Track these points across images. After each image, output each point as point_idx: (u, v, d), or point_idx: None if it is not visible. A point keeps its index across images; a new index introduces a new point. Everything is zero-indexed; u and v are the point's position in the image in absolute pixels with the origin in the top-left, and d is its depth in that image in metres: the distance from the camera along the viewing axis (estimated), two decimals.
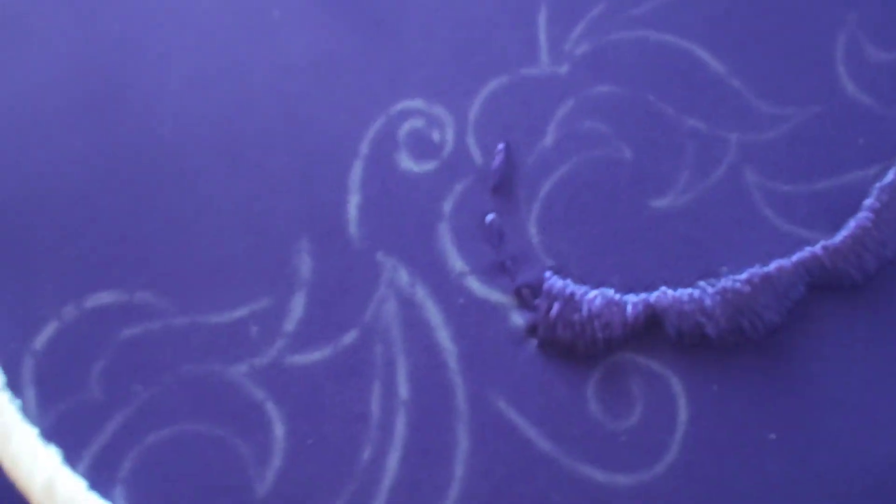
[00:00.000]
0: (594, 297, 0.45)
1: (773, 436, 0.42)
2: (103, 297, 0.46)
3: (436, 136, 0.49)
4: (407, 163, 0.49)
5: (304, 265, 0.46)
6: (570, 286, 0.45)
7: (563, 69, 0.50)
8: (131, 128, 0.50)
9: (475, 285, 0.46)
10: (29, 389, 0.44)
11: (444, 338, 0.44)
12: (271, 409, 0.44)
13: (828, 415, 0.43)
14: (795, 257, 0.45)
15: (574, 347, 0.44)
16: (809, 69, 0.49)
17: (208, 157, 0.49)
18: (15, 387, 0.44)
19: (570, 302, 0.45)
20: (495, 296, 0.46)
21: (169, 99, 0.51)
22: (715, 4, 0.51)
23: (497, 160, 0.48)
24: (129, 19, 0.54)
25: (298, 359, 0.44)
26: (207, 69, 0.52)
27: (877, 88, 0.48)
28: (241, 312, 0.46)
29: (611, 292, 0.45)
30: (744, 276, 0.44)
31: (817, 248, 0.45)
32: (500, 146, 0.48)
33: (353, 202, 0.48)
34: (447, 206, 0.47)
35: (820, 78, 0.49)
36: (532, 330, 0.45)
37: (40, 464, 0.41)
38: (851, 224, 0.45)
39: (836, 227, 0.46)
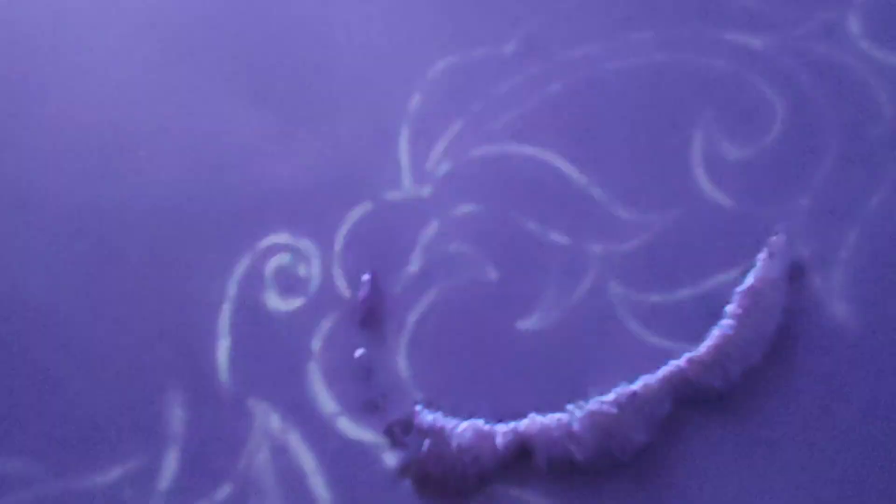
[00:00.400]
0: (464, 429, 0.45)
1: None
2: None
3: (302, 270, 0.49)
4: (275, 301, 0.48)
5: (176, 418, 0.46)
6: (440, 419, 0.45)
7: (427, 191, 0.50)
8: None
9: (347, 426, 0.46)
10: None
11: (317, 484, 0.44)
12: None
13: None
14: (661, 373, 0.45)
15: (446, 483, 0.44)
16: (668, 172, 0.49)
17: (75, 309, 0.49)
18: None
19: (441, 436, 0.44)
20: (367, 436, 0.46)
21: (36, 248, 0.51)
22: (572, 112, 0.51)
23: (362, 291, 0.48)
24: None
25: None
26: (77, 213, 0.52)
27: (734, 187, 0.49)
28: (114, 473, 0.45)
29: (481, 423, 0.45)
30: (611, 396, 0.45)
31: (682, 362, 0.45)
32: (366, 276, 0.48)
33: (223, 347, 0.48)
34: (316, 344, 0.47)
35: (678, 181, 0.49)
36: (405, 469, 0.44)
37: None
38: (714, 332, 0.46)
39: (701, 336, 0.46)
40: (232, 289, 0.49)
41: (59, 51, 0.55)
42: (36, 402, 0.47)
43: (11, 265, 0.50)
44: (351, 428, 0.46)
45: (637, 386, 0.45)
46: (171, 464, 0.45)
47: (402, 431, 0.45)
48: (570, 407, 0.45)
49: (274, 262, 0.49)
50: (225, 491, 0.45)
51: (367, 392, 0.46)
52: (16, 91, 0.54)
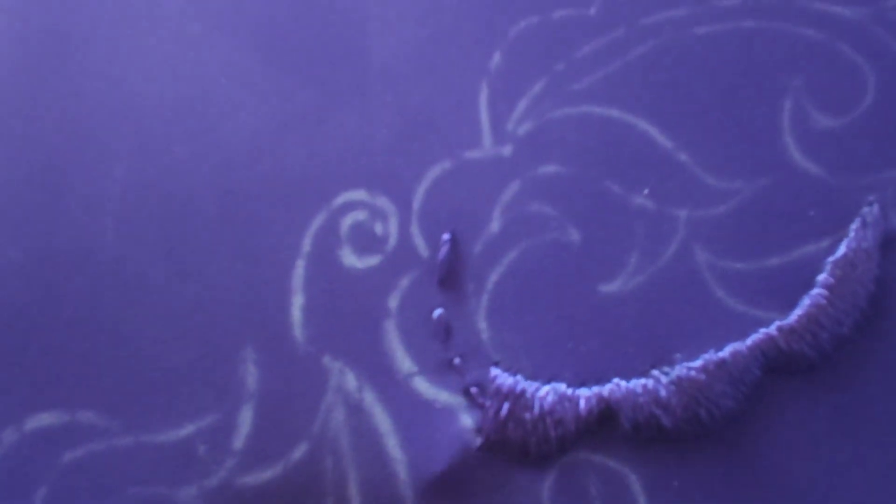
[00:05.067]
0: (546, 393, 0.43)
1: None
2: (44, 419, 0.45)
3: (379, 228, 0.48)
4: (350, 259, 0.47)
5: (250, 375, 0.45)
6: (521, 382, 0.44)
7: (507, 150, 0.49)
8: (69, 237, 0.49)
9: (423, 386, 0.45)
10: None
11: (393, 446, 0.43)
12: None
13: None
14: (750, 340, 0.44)
15: (526, 447, 0.43)
16: (756, 139, 0.48)
17: (148, 264, 0.48)
18: None
19: (521, 399, 0.43)
20: (444, 396, 0.44)
21: (108, 204, 0.50)
22: (658, 76, 0.50)
23: (442, 251, 0.47)
24: (67, 121, 0.52)
25: (249, 479, 0.43)
26: (148, 169, 0.51)
27: (825, 157, 0.47)
28: (187, 430, 0.44)
29: (563, 387, 0.44)
30: (698, 363, 0.43)
31: (772, 330, 0.44)
32: (446, 236, 0.47)
33: (297, 304, 0.47)
34: (393, 303, 0.46)
35: (767, 148, 0.48)
36: (482, 431, 0.43)
37: None
38: (805, 302, 0.44)
39: (791, 305, 0.45)
40: (307, 245, 0.48)
41: (110, 32, 0.54)
42: (107, 355, 0.46)
43: (82, 219, 0.50)
44: (427, 388, 0.45)
45: (725, 353, 0.44)
46: (245, 422, 0.44)
47: (480, 393, 0.44)
48: (655, 373, 0.44)
49: (349, 219, 0.48)
50: (301, 450, 0.44)
51: (445, 353, 0.45)
52: (84, 63, 0.54)
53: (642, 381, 0.43)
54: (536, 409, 0.43)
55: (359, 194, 0.49)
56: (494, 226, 0.48)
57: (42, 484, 0.44)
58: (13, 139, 0.52)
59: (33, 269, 0.48)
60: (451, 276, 0.47)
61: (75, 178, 0.50)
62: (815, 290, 0.44)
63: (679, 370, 0.43)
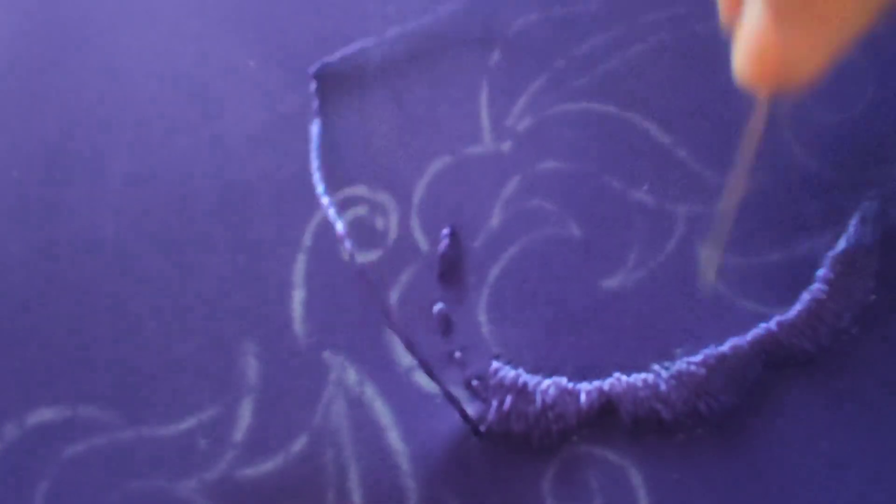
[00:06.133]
0: (547, 386, 0.44)
1: None
2: (45, 413, 0.45)
3: (379, 223, 0.48)
4: None
5: (251, 369, 0.45)
6: (523, 376, 0.44)
7: (507, 146, 0.49)
8: (70, 230, 0.49)
9: (425, 380, 0.44)
10: None
11: (394, 438, 0.43)
12: None
13: (793, 500, 0.42)
14: (750, 335, 0.44)
15: (527, 440, 0.43)
16: None
17: (149, 258, 0.48)
18: None
19: (523, 393, 0.43)
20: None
21: (108, 198, 0.50)
22: (657, 73, 0.50)
23: (442, 246, 0.47)
24: (65, 117, 0.52)
25: (249, 471, 0.43)
26: (146, 163, 0.51)
27: (825, 152, 0.47)
28: (188, 423, 0.44)
29: (564, 381, 0.44)
30: (699, 357, 0.43)
31: (772, 325, 0.44)
32: (446, 231, 0.47)
33: (298, 298, 0.47)
34: (393, 297, 0.46)
35: (767, 144, 0.48)
36: (484, 424, 0.43)
37: None
38: (805, 297, 0.44)
39: (790, 300, 0.45)
40: (307, 239, 0.48)
41: (110, 26, 0.55)
42: (108, 349, 0.46)
43: (82, 212, 0.50)
44: (429, 382, 0.45)
45: (726, 347, 0.44)
46: (246, 415, 0.44)
47: (481, 386, 0.44)
48: (655, 367, 0.44)
49: (350, 214, 0.48)
50: (301, 442, 0.44)
51: (446, 346, 0.45)
52: (84, 57, 0.54)
53: (643, 375, 0.43)
54: (538, 403, 0.43)
55: (359, 189, 0.49)
56: (495, 221, 0.48)
57: (43, 479, 0.44)
58: (13, 133, 0.52)
59: (34, 264, 0.49)
60: (451, 271, 0.47)
61: (75, 172, 0.50)
62: (815, 285, 0.44)
63: (679, 365, 0.43)
